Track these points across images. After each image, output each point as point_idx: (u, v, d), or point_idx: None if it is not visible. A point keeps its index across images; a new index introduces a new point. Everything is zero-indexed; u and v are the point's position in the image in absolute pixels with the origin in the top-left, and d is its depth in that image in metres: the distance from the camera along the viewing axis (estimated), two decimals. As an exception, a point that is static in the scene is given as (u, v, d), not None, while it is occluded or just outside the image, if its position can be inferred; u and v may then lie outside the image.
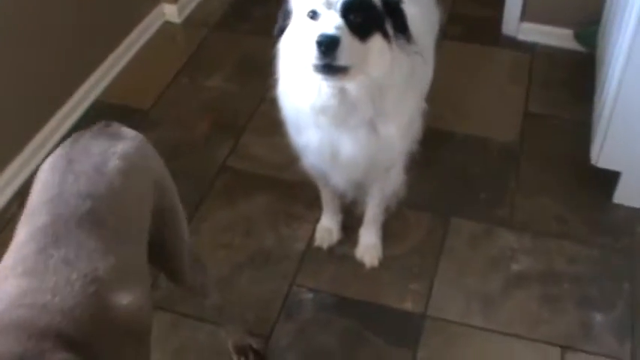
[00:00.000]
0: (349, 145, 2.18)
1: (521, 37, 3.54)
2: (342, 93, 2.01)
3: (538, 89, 3.29)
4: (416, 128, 2.37)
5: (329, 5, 1.91)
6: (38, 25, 2.92)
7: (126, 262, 1.58)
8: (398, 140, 2.25)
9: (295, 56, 2.02)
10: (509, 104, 3.22)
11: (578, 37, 3.40)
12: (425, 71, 2.35)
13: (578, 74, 3.33)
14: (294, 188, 2.86)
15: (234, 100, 3.28)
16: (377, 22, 1.97)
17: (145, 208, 1.74)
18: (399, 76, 2.06)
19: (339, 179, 2.41)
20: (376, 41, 1.96)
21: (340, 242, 2.70)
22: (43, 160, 2.90)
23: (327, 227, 2.70)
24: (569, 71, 3.37)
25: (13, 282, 1.43)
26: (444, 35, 3.49)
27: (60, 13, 3.03)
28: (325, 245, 2.68)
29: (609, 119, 2.58)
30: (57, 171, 1.64)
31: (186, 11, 3.76)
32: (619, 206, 2.79)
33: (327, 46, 1.83)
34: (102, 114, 3.17)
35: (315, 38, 1.86)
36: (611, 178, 2.77)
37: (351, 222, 2.73)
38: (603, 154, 2.69)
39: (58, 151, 1.72)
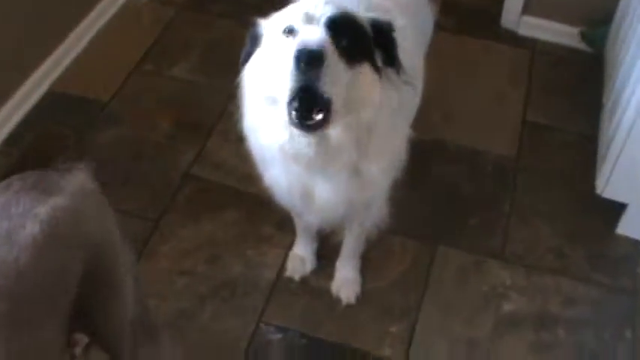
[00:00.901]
0: (325, 189, 1.87)
1: (522, 31, 3.22)
2: (321, 141, 1.67)
3: (538, 93, 2.99)
4: (401, 160, 2.03)
5: (310, 20, 1.58)
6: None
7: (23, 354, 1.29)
8: (381, 178, 1.93)
9: (263, 87, 1.65)
10: (507, 110, 2.93)
11: (584, 36, 3.09)
12: (413, 97, 2.02)
13: (583, 78, 3.04)
14: (264, 204, 2.51)
15: (202, 94, 2.95)
16: (366, 48, 1.64)
17: (62, 284, 1.40)
18: (387, 112, 1.72)
19: (313, 219, 2.10)
20: (365, 71, 1.62)
21: (314, 272, 2.42)
22: None
23: (300, 256, 2.42)
24: (573, 73, 3.08)
25: None
26: (438, 27, 3.19)
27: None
28: (297, 276, 2.40)
29: (621, 150, 2.30)
30: None
31: (153, -14, 3.40)
32: (622, 238, 2.53)
33: (309, 60, 1.47)
34: (55, 107, 2.88)
35: (292, 53, 1.50)
36: (614, 206, 2.50)
37: (327, 250, 2.45)
38: (610, 185, 2.42)
39: None
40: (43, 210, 1.37)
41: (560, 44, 3.17)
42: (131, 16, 3.30)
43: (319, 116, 1.55)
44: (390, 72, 1.70)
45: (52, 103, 2.90)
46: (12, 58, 2.76)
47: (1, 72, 2.72)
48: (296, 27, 1.58)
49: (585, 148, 2.74)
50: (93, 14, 3.15)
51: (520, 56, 3.15)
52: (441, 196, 2.63)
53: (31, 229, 1.34)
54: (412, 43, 1.98)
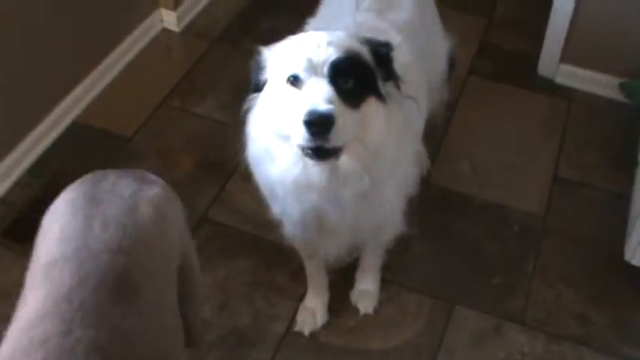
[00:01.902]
0: (337, 215, 1.84)
1: (559, 80, 3.11)
2: (333, 169, 1.69)
3: (572, 147, 2.87)
4: (412, 179, 2.05)
5: (314, 70, 1.58)
6: (13, 29, 2.57)
7: (166, 341, 1.33)
8: (391, 199, 1.93)
9: (272, 125, 1.67)
10: (538, 164, 2.82)
11: (623, 87, 2.97)
12: (417, 114, 1.98)
13: (621, 131, 2.92)
14: (279, 253, 2.50)
15: (227, 133, 2.89)
16: (370, 83, 1.65)
17: (175, 267, 1.50)
18: (394, 134, 1.72)
19: (329, 249, 2.07)
20: (370, 106, 1.64)
21: (324, 327, 2.36)
22: (10, 189, 2.69)
23: (311, 309, 2.36)
24: (610, 126, 2.96)
25: None
26: (470, 69, 3.13)
27: (42, 15, 2.67)
28: (307, 331, 2.34)
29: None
30: (79, 213, 1.37)
31: (187, 19, 3.38)
32: (652, 307, 2.40)
33: (320, 126, 1.51)
34: (79, 139, 2.87)
35: (302, 116, 1.52)
36: (645, 273, 2.39)
37: (338, 304, 2.38)
38: None
39: (78, 188, 1.45)
40: (151, 194, 1.48)
41: (598, 95, 3.05)
42: (163, 47, 3.29)
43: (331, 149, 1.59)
44: (390, 87, 1.70)
45: (75, 135, 2.89)
46: (38, 89, 2.76)
47: (27, 103, 2.72)
48: (301, 77, 1.58)
49: (617, 208, 2.62)
50: (123, 46, 3.13)
51: (555, 106, 3.04)
52: (462, 253, 2.53)
53: (146, 208, 1.44)
54: (411, 59, 1.97)
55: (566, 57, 3.06)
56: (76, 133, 2.90)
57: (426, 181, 2.57)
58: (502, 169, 2.79)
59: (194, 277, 1.69)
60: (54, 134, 2.87)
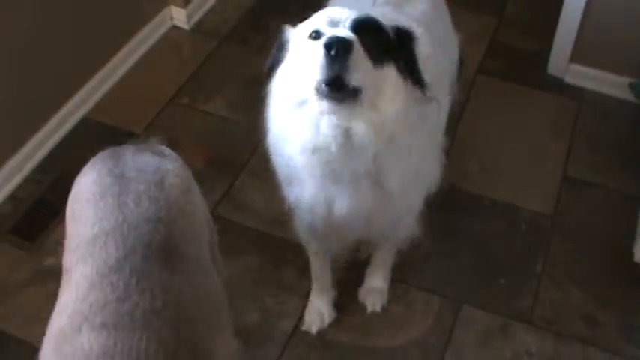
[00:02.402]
0: (347, 201, 1.82)
1: (569, 79, 3.10)
2: (345, 135, 1.63)
3: (581, 147, 2.86)
4: (428, 177, 2.01)
5: (335, 24, 1.59)
6: (24, 26, 2.58)
7: (213, 299, 1.39)
8: (405, 195, 1.89)
9: (291, 90, 1.65)
10: (547, 163, 2.81)
11: (633, 87, 2.96)
12: (437, 113, 1.95)
13: (630, 131, 2.91)
14: (287, 250, 2.52)
15: (236, 131, 2.92)
16: (390, 51, 1.63)
17: (206, 233, 1.58)
18: (409, 123, 1.69)
19: (335, 241, 2.08)
20: (390, 72, 1.61)
21: (332, 324, 2.35)
22: (19, 186, 2.70)
23: (318, 308, 2.36)
24: (619, 126, 2.95)
25: (91, 336, 1.17)
26: (479, 69, 3.12)
27: (53, 13, 2.68)
28: (314, 329, 2.34)
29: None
30: (108, 192, 1.40)
31: (197, 17, 3.38)
32: (661, 308, 2.39)
33: (339, 49, 1.47)
34: (89, 135, 2.88)
35: (321, 45, 1.49)
36: (654, 273, 2.38)
37: (346, 301, 2.39)
38: (649, 253, 2.29)
39: (100, 167, 1.48)
40: (172, 167, 1.52)
41: (607, 95, 3.04)
42: (172, 44, 3.30)
43: (350, 86, 1.53)
44: (411, 84, 1.67)
45: (85, 132, 2.90)
46: (48, 85, 2.77)
47: (37, 99, 2.73)
48: (322, 30, 1.58)
49: (627, 208, 2.62)
50: (132, 43, 3.14)
51: (565, 106, 3.03)
52: (471, 252, 2.53)
53: (173, 181, 1.48)
54: (431, 51, 1.92)
55: (576, 56, 3.05)
56: (85, 129, 2.91)
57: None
58: (511, 169, 2.79)
59: (216, 251, 1.74)
60: (64, 131, 2.88)
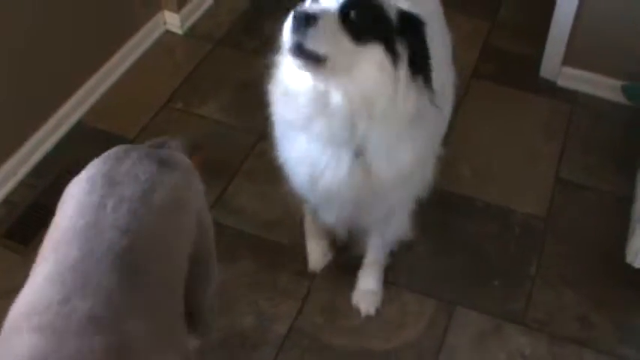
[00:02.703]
0: (328, 168, 1.89)
1: (562, 82, 3.11)
2: (322, 94, 1.73)
3: (574, 149, 2.88)
4: (421, 177, 2.06)
5: None
6: (18, 29, 2.58)
7: (163, 323, 1.35)
8: (396, 186, 1.94)
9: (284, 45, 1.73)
10: (540, 166, 2.82)
11: (625, 90, 2.97)
12: (443, 115, 2.03)
13: (623, 133, 2.93)
14: (281, 253, 2.53)
15: (229, 134, 2.92)
16: (381, 31, 1.68)
17: (186, 252, 1.53)
18: (406, 105, 1.73)
19: (327, 214, 2.16)
20: (374, 51, 1.68)
21: (328, 328, 2.36)
22: (14, 190, 2.70)
23: (320, 248, 2.46)
24: (612, 129, 2.96)
25: (25, 338, 1.16)
26: (473, 72, 3.14)
27: (46, 16, 2.68)
28: (320, 266, 2.46)
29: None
30: (96, 191, 1.42)
31: (190, 21, 3.38)
32: (654, 309, 2.40)
33: (300, 21, 1.61)
34: (83, 139, 2.88)
35: (291, 14, 1.64)
36: (647, 275, 2.39)
37: (340, 304, 2.39)
38: (641, 254, 2.30)
39: (99, 165, 1.49)
40: (168, 179, 1.50)
41: (600, 97, 3.05)
42: (166, 49, 3.30)
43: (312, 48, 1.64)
44: (418, 80, 1.73)
45: (79, 136, 2.90)
46: (42, 90, 2.77)
47: (31, 104, 2.73)
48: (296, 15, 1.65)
49: (619, 210, 2.63)
50: (126, 48, 3.14)
51: (558, 109, 3.04)
52: (464, 254, 2.54)
53: (161, 194, 1.46)
54: (442, 51, 2.04)
55: (568, 59, 3.06)
56: (79, 134, 2.91)
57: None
58: (504, 171, 2.80)
59: (210, 265, 1.73)
60: (58, 134, 2.88)
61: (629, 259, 2.35)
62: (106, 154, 1.55)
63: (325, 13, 1.63)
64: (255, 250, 2.54)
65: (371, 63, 1.68)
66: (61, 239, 1.36)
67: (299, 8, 1.64)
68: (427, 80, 1.74)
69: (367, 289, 2.40)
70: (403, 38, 1.70)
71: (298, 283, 2.44)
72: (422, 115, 1.79)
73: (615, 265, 2.45)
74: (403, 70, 1.70)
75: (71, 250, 1.32)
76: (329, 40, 1.64)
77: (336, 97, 1.72)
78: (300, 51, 1.64)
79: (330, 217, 2.15)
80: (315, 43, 1.62)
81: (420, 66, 1.73)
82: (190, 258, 1.55)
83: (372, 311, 2.38)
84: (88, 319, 1.21)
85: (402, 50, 1.70)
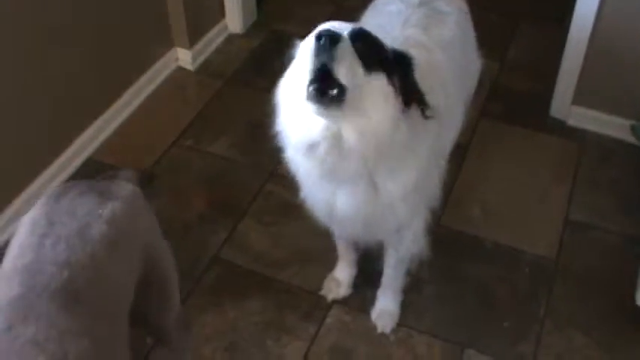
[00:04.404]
0: (344, 202, 1.95)
1: (572, 122, 3.12)
2: (335, 137, 1.73)
3: (584, 190, 2.87)
4: (428, 190, 2.09)
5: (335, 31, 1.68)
6: (31, 67, 2.61)
7: (102, 345, 1.41)
8: (399, 203, 1.97)
9: (292, 90, 1.76)
10: (550, 206, 2.82)
11: (634, 130, 2.98)
12: (447, 127, 2.09)
13: (632, 174, 2.92)
14: (290, 293, 2.53)
15: (239, 173, 2.93)
16: (383, 62, 1.73)
17: (130, 281, 1.58)
18: (402, 137, 1.78)
19: (342, 234, 2.28)
20: (380, 80, 1.70)
21: (336, 364, 2.35)
22: None
23: (337, 279, 2.50)
24: (622, 168, 2.96)
25: None
26: (483, 112, 3.15)
27: (61, 54, 2.72)
28: (331, 296, 2.49)
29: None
30: (36, 232, 1.49)
31: (202, 57, 3.42)
32: (664, 354, 2.38)
33: (328, 39, 1.58)
34: (93, 175, 2.87)
35: (313, 36, 1.62)
36: (657, 318, 2.37)
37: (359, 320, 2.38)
38: (651, 298, 2.29)
39: (40, 207, 1.56)
40: (106, 212, 1.55)
41: (610, 137, 3.06)
42: (178, 85, 3.33)
43: (334, 91, 1.62)
44: (403, 100, 1.76)
45: (89, 172, 2.90)
46: (54, 126, 2.80)
47: (42, 140, 2.76)
48: (322, 34, 1.64)
49: (629, 251, 2.62)
50: (139, 84, 3.18)
51: (568, 148, 3.04)
52: (473, 296, 2.53)
53: (99, 228, 1.51)
54: (451, 76, 2.09)
55: (578, 99, 3.07)
56: (90, 170, 2.92)
57: (437, 223, 2.58)
58: (514, 212, 2.79)
59: (167, 290, 1.78)
60: (68, 171, 2.91)
61: (638, 301, 2.34)
62: (47, 193, 1.62)
63: (345, 39, 1.62)
64: (264, 289, 2.54)
65: (378, 94, 1.70)
66: (6, 275, 1.44)
67: (322, 29, 1.63)
68: (420, 101, 1.80)
69: (385, 309, 2.44)
70: (396, 72, 1.76)
71: (306, 324, 2.44)
72: (420, 132, 1.85)
73: (625, 307, 2.44)
74: (399, 99, 1.75)
75: (13, 286, 1.39)
76: (352, 71, 1.63)
77: (350, 136, 1.72)
78: (325, 89, 1.61)
79: (346, 236, 2.27)
80: (341, 68, 1.60)
81: (411, 95, 1.78)
82: (142, 284, 1.62)
83: (387, 330, 2.42)
84: (32, 342, 1.30)
85: (397, 81, 1.75)
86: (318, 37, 1.59)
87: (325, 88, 1.61)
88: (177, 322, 1.92)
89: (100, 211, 1.55)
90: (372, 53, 1.69)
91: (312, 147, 1.76)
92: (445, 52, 2.10)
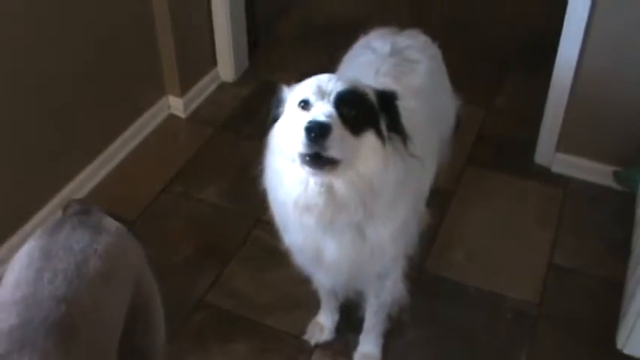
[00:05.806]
0: (333, 249, 1.99)
1: (556, 168, 3.17)
2: (329, 192, 1.81)
3: (567, 235, 2.91)
4: (410, 234, 2.14)
5: (322, 96, 1.77)
6: (20, 113, 2.67)
7: None
8: (388, 246, 2.03)
9: (283, 148, 1.82)
10: (533, 252, 2.85)
11: (617, 177, 3.03)
12: (421, 171, 2.12)
13: (616, 218, 2.95)
14: (276, 339, 2.55)
15: (227, 219, 2.97)
16: (371, 118, 1.81)
17: (121, 314, 1.61)
18: (392, 178, 1.86)
19: (326, 281, 2.28)
20: (369, 138, 1.79)
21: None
22: None
23: (320, 324, 2.52)
24: (605, 213, 2.99)
25: None
26: (470, 160, 3.19)
27: (50, 101, 2.78)
28: (313, 341, 2.51)
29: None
30: (33, 266, 1.51)
31: (194, 105, 3.49)
32: (647, 399, 2.39)
33: (317, 132, 1.67)
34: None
35: (304, 125, 1.69)
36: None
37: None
38: (631, 341, 2.31)
39: (36, 241, 1.59)
40: (100, 247, 1.58)
41: (593, 183, 3.10)
42: (169, 133, 3.39)
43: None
44: (395, 140, 1.85)
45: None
46: (44, 172, 2.84)
47: (31, 187, 2.80)
48: (310, 101, 1.76)
49: (611, 295, 2.63)
50: (130, 131, 3.24)
51: (552, 194, 3.08)
52: (456, 341, 2.54)
53: (94, 263, 1.55)
54: (424, 122, 2.15)
55: (561, 146, 3.12)
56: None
57: (420, 268, 2.62)
58: (497, 257, 2.82)
59: (153, 322, 1.79)
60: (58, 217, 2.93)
61: (619, 345, 2.35)
62: (43, 227, 1.65)
63: (333, 119, 1.70)
64: (249, 333, 2.56)
65: (368, 150, 1.79)
66: (2, 307, 1.45)
67: (310, 120, 1.68)
68: (403, 138, 1.87)
69: (367, 353, 2.46)
70: (383, 113, 1.83)
71: (290, 368, 2.45)
72: (407, 171, 1.91)
73: (606, 351, 2.45)
74: (388, 145, 1.82)
75: (10, 318, 1.41)
76: (343, 145, 1.71)
77: (342, 190, 1.80)
78: (318, 161, 1.70)
79: (330, 284, 2.28)
80: (333, 150, 1.69)
81: (396, 130, 1.86)
82: (130, 316, 1.64)
83: None
84: None
85: (384, 127, 1.83)
86: (308, 130, 1.66)
87: (319, 152, 1.69)
88: (162, 354, 1.92)
89: (95, 246, 1.58)
90: (359, 114, 1.76)
91: (309, 206, 1.83)
92: (417, 99, 2.17)
